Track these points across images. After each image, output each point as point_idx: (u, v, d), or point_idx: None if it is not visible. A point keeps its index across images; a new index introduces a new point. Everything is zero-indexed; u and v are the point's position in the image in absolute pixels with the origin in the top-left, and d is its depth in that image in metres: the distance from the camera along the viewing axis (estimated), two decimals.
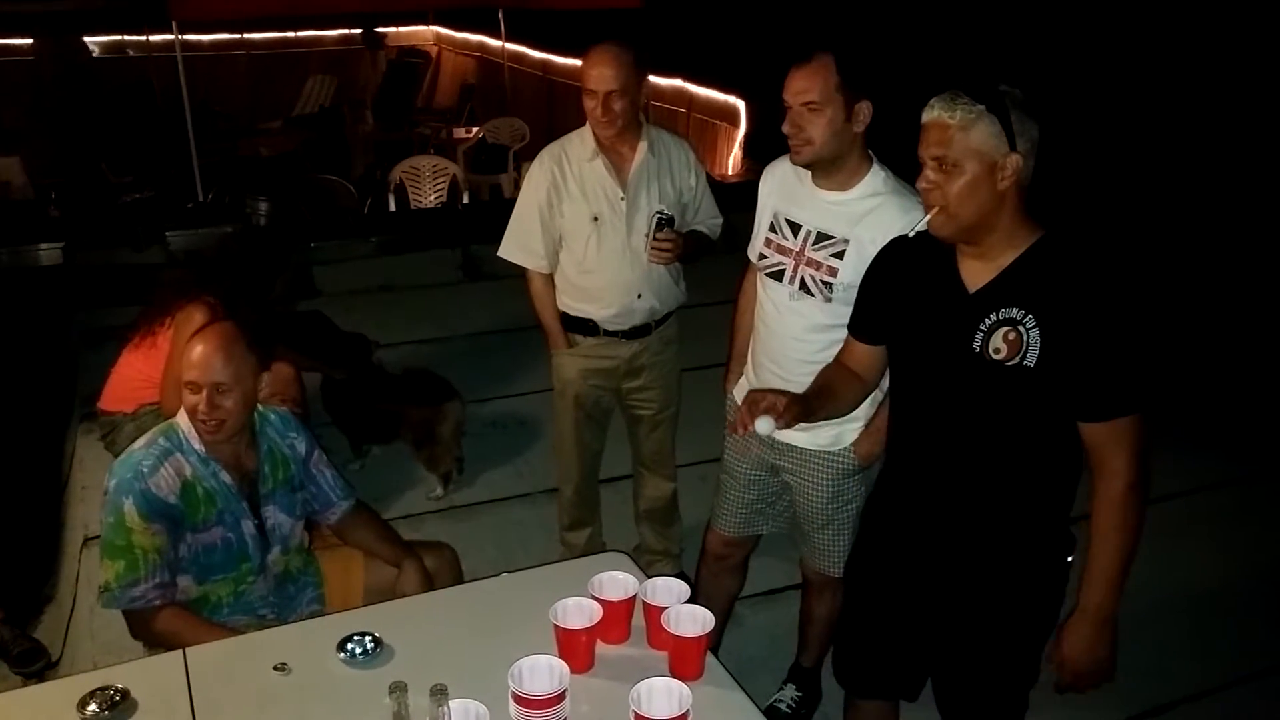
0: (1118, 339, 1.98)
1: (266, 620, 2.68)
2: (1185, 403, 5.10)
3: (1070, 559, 2.23)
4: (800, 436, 2.78)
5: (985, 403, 2.10)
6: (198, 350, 2.52)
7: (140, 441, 2.59)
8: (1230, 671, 3.56)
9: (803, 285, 2.70)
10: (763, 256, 2.81)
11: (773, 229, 2.79)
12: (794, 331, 2.76)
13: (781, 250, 2.75)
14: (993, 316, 2.04)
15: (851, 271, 2.56)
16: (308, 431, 2.85)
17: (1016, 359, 2.01)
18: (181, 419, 2.59)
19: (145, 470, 2.49)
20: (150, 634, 2.54)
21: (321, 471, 2.82)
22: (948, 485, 2.22)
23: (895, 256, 2.33)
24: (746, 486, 3.04)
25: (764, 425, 2.13)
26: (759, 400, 2.16)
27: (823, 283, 2.65)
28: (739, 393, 3.02)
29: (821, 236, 2.66)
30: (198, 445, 2.57)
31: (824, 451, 2.81)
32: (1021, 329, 2.01)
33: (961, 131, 1.98)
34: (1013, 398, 2.05)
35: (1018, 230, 2.05)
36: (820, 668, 3.25)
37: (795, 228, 2.73)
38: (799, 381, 2.50)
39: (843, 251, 2.62)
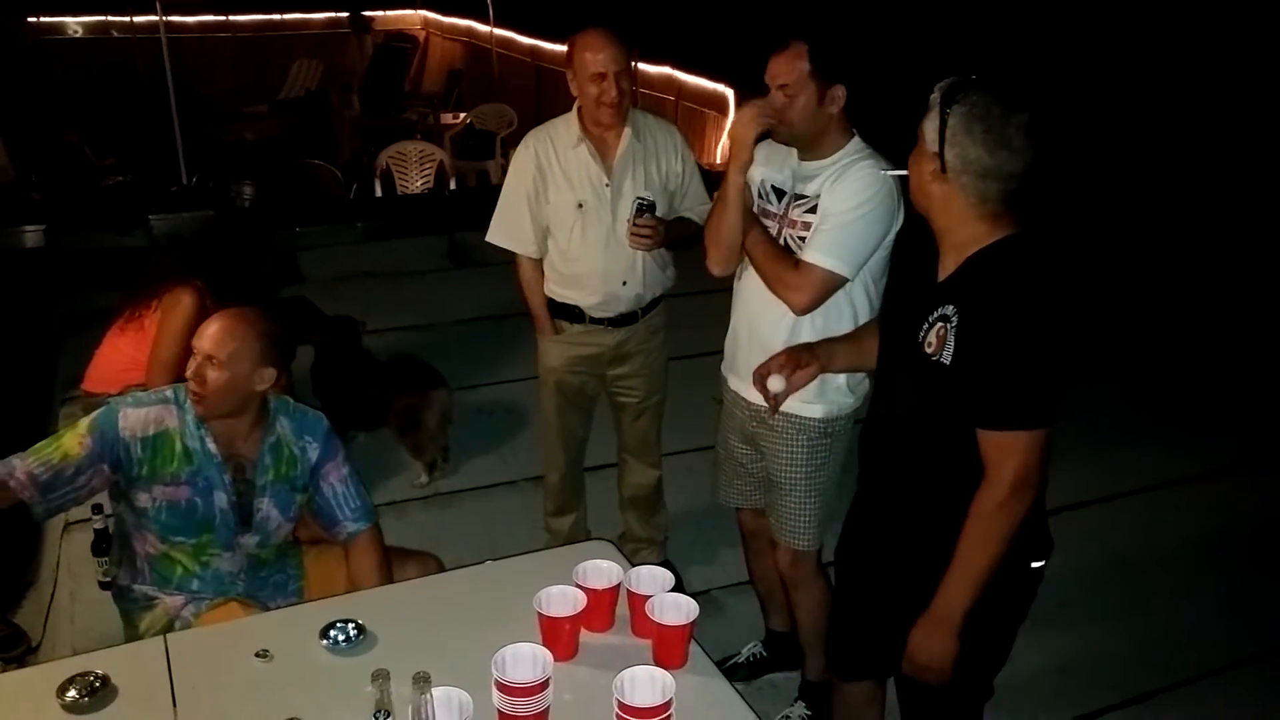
0: (1023, 350, 1.96)
1: (240, 594, 2.67)
2: (1160, 395, 5.16)
3: (1039, 565, 2.21)
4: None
5: (913, 394, 2.15)
6: (212, 321, 2.59)
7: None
8: (1207, 662, 3.58)
9: (786, 246, 2.77)
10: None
11: (760, 194, 2.88)
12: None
13: (767, 215, 2.84)
14: (937, 310, 2.07)
15: None
16: (332, 442, 2.76)
17: (939, 355, 2.04)
18: None
19: (130, 401, 2.58)
20: None
21: (333, 486, 2.74)
22: (891, 472, 2.27)
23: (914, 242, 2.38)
24: (738, 460, 3.10)
25: (775, 384, 2.40)
26: (777, 359, 2.39)
27: (798, 238, 2.74)
28: (726, 368, 3.08)
29: (799, 197, 2.77)
30: (193, 407, 2.58)
31: (793, 415, 2.82)
32: (948, 326, 2.03)
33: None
34: (931, 392, 2.08)
35: (979, 225, 2.05)
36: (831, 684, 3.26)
37: (780, 193, 2.83)
38: (776, 347, 2.64)
39: (815, 207, 2.71)
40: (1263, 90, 7.37)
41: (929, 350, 2.06)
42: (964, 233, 2.06)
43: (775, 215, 2.81)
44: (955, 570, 2.08)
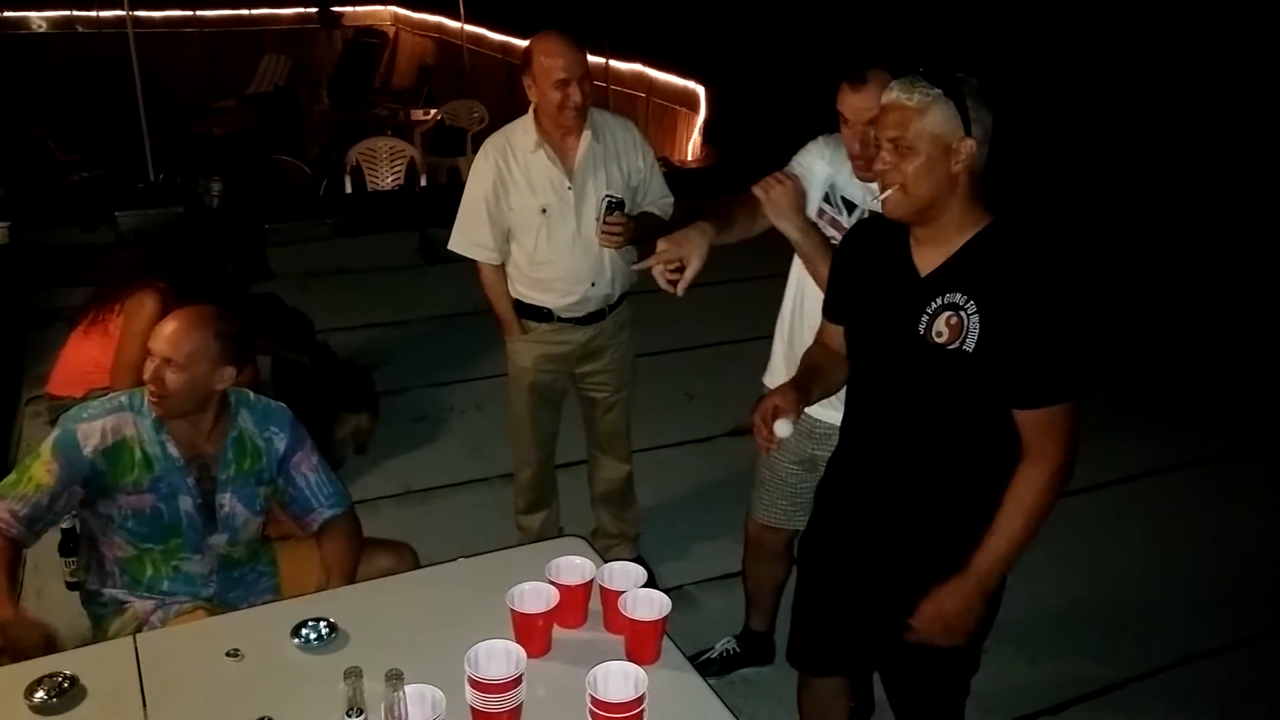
0: (1054, 327, 2.00)
1: (210, 601, 2.65)
2: (1128, 389, 5.21)
3: None
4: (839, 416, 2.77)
5: (927, 386, 2.12)
6: (168, 322, 2.55)
7: (111, 393, 2.63)
8: (1178, 651, 3.62)
9: None
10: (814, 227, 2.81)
11: (828, 200, 2.80)
12: None
13: (835, 225, 2.77)
14: (938, 300, 2.06)
15: None
16: (298, 431, 2.76)
17: (956, 343, 2.03)
18: None
19: (84, 416, 2.53)
20: None
21: (305, 475, 2.74)
22: (893, 467, 2.25)
23: (858, 240, 2.36)
24: (785, 480, 3.03)
25: (784, 429, 2.17)
26: (767, 410, 2.19)
27: None
28: (772, 379, 3.02)
29: (870, 215, 2.67)
30: (151, 410, 2.55)
31: None
32: (963, 314, 2.03)
33: (918, 114, 1.99)
34: (952, 382, 2.08)
35: (968, 215, 2.07)
36: (772, 633, 3.33)
37: (850, 206, 2.76)
38: None
39: None
40: (1253, 76, 7.43)
41: (940, 340, 2.04)
42: (956, 223, 2.06)
43: (843, 227, 2.73)
44: (999, 539, 2.10)
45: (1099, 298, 4.56)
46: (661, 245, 2.45)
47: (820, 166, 2.81)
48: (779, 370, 3.01)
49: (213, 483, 2.63)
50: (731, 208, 2.66)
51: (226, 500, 2.65)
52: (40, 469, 2.47)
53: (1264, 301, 6.30)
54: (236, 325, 2.64)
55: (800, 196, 2.67)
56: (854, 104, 2.58)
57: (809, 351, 2.49)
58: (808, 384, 2.30)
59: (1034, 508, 2.08)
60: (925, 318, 2.07)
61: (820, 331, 2.50)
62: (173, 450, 2.57)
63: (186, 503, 2.59)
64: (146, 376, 2.51)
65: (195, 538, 2.63)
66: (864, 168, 2.62)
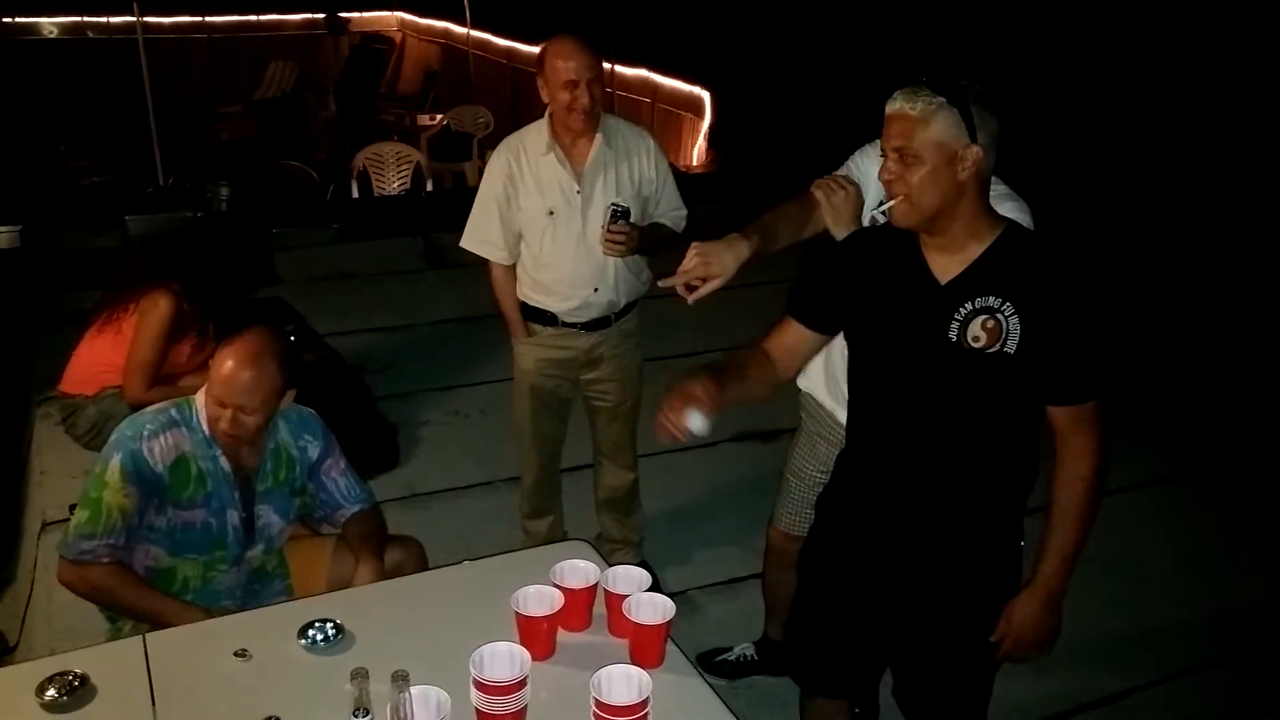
0: (1092, 326, 2.04)
1: (229, 610, 2.66)
2: (1142, 394, 5.20)
3: (1022, 543, 2.28)
4: None
5: (960, 390, 2.12)
6: (228, 366, 2.47)
7: (153, 407, 2.59)
8: (1179, 663, 3.63)
9: None
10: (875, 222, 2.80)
11: (881, 203, 2.78)
12: None
13: None
14: (968, 306, 2.07)
15: None
16: (328, 438, 2.77)
17: (996, 346, 2.04)
18: (199, 397, 2.57)
19: (145, 433, 2.50)
20: (84, 584, 2.51)
21: (334, 479, 2.77)
22: (914, 473, 2.24)
23: (857, 246, 2.35)
24: (812, 488, 2.93)
25: (698, 424, 2.02)
26: (683, 394, 2.06)
27: None
28: (806, 383, 3.01)
29: None
30: (205, 427, 2.55)
31: None
32: (1000, 317, 2.04)
33: (922, 123, 2.01)
34: (990, 384, 2.09)
35: (980, 221, 2.09)
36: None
37: None
38: None
39: None
40: (1226, 97, 7.44)
41: (977, 345, 2.05)
42: (969, 229, 2.08)
43: None
44: (1061, 542, 2.14)
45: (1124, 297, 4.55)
46: (692, 256, 2.34)
47: (875, 169, 2.80)
48: (816, 375, 2.98)
49: (252, 494, 2.65)
50: (782, 212, 2.58)
51: (264, 512, 2.68)
52: (117, 497, 2.46)
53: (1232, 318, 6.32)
54: (286, 342, 2.64)
55: (860, 204, 2.64)
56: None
57: (741, 353, 2.39)
58: (728, 383, 2.17)
59: (1085, 503, 2.13)
60: (955, 324, 2.07)
61: (772, 333, 2.40)
62: (224, 465, 2.58)
63: (233, 516, 2.62)
64: (224, 426, 2.49)
65: (236, 550, 2.65)
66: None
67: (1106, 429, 2.11)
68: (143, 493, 2.49)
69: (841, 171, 2.78)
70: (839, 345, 2.73)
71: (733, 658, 3.42)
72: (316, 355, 4.65)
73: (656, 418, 2.07)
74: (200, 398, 2.57)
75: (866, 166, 2.75)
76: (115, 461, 2.47)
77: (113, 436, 2.53)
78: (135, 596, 2.49)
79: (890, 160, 2.07)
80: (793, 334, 2.38)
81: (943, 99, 2.00)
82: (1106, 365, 2.08)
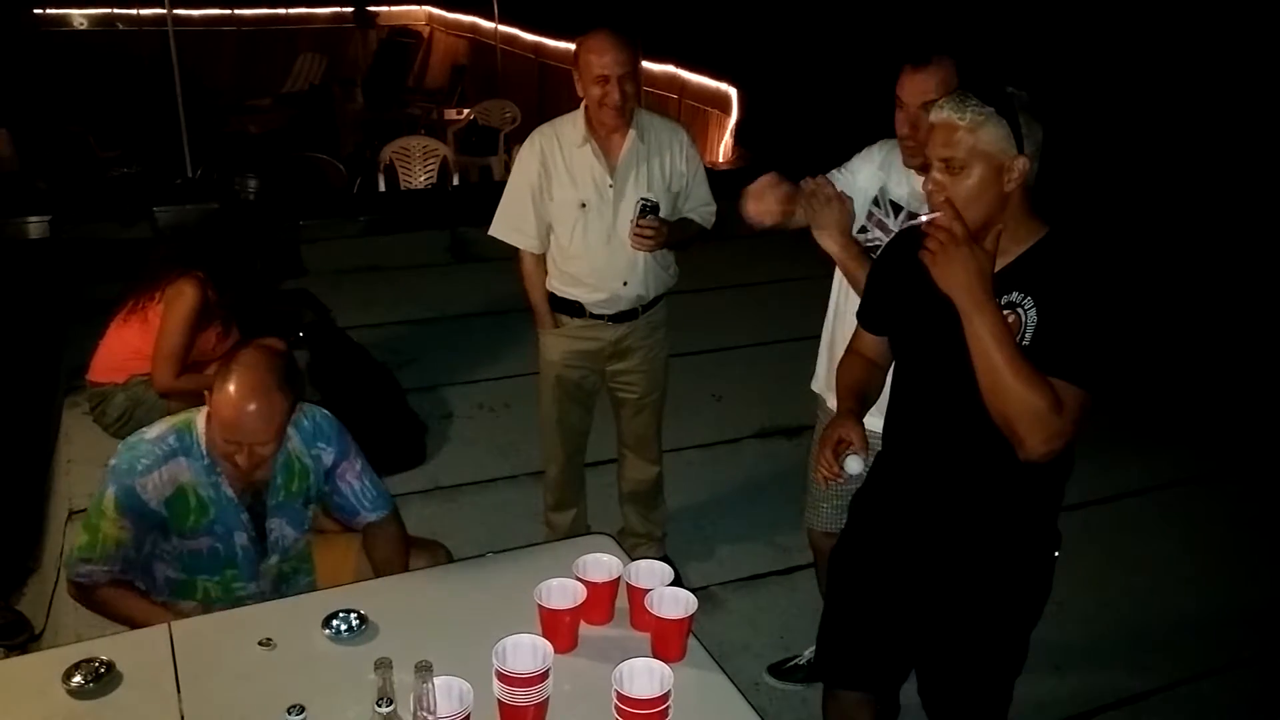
0: (1100, 316, 1.98)
1: None
2: (1159, 398, 5.16)
3: (1056, 554, 2.25)
4: None
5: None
6: (232, 406, 2.38)
7: (153, 430, 2.53)
8: (1200, 664, 3.60)
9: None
10: (863, 230, 2.82)
11: (876, 203, 2.82)
12: None
13: (882, 227, 2.79)
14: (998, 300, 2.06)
15: None
16: (344, 441, 2.70)
17: (1015, 339, 2.03)
18: (199, 420, 2.51)
19: (139, 469, 2.44)
20: (86, 601, 2.53)
21: (349, 483, 2.70)
22: (945, 471, 2.23)
23: (900, 251, 2.32)
24: (837, 487, 2.93)
25: (855, 465, 2.22)
26: (832, 442, 2.22)
27: None
28: (816, 385, 3.04)
29: (912, 215, 2.67)
30: (205, 452, 2.50)
31: None
32: (1020, 310, 2.03)
33: (970, 133, 1.97)
34: None
35: (1022, 226, 2.06)
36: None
37: (897, 208, 2.78)
38: None
39: None
40: (1257, 90, 7.38)
41: None
42: (1010, 234, 2.05)
43: (889, 230, 2.73)
44: (1001, 330, 1.98)
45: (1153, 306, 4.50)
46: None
47: (868, 173, 2.81)
48: (821, 377, 3.01)
49: (263, 508, 2.62)
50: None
51: (276, 525, 2.65)
52: (112, 529, 2.45)
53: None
54: (285, 359, 2.58)
55: (849, 216, 2.64)
56: (911, 86, 2.58)
57: (847, 367, 2.46)
58: (861, 410, 2.32)
59: (1028, 377, 1.94)
60: None
61: (855, 340, 2.48)
62: (227, 490, 2.54)
63: (241, 538, 2.60)
64: (241, 462, 2.44)
65: (250, 567, 2.65)
66: (913, 152, 2.61)
67: (1069, 412, 1.95)
68: (139, 527, 2.47)
69: (841, 173, 2.82)
70: (840, 343, 2.78)
71: (803, 662, 3.36)
72: (348, 354, 4.68)
73: (812, 476, 2.18)
74: (201, 422, 2.51)
75: (859, 170, 2.83)
76: (110, 494, 2.45)
77: (112, 461, 2.49)
78: (144, 616, 2.45)
79: (935, 170, 2.03)
80: (866, 339, 2.45)
81: (991, 109, 1.96)
82: (1107, 363, 2.00)
